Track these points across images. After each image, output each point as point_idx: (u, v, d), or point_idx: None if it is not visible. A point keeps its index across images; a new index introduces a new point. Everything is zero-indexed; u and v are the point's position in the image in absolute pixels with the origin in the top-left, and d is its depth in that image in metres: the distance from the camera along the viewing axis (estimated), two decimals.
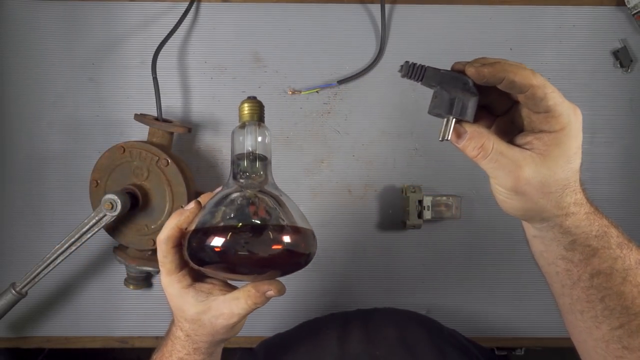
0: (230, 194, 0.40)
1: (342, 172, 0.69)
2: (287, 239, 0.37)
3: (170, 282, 0.43)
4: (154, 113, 0.63)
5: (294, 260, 0.38)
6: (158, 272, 0.66)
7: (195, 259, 0.38)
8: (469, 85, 0.35)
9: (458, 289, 0.70)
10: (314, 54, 0.69)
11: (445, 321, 0.67)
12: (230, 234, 0.36)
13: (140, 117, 0.63)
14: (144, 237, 0.62)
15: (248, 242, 0.37)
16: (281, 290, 0.41)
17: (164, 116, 0.64)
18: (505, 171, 0.35)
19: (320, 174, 0.69)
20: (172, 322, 0.46)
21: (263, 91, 0.69)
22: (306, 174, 0.69)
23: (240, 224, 0.38)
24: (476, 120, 0.36)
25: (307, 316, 0.66)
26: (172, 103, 0.69)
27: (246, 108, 0.42)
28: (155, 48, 0.64)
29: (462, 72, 0.35)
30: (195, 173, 0.68)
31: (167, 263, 0.42)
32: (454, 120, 0.36)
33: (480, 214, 0.69)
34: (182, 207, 0.44)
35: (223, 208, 0.39)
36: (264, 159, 0.42)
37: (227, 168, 0.69)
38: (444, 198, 0.65)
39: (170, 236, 0.42)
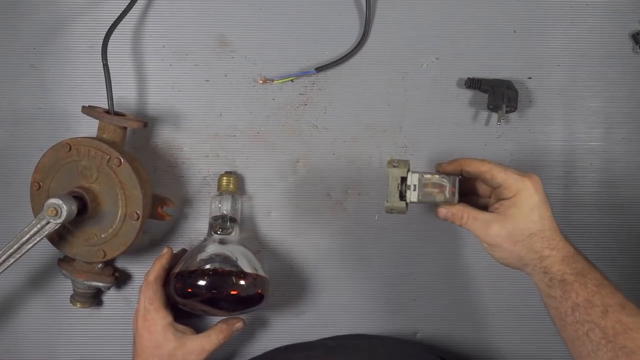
0: (207, 245, 0.65)
1: (320, 173, 0.71)
2: (249, 284, 0.62)
3: (157, 318, 0.62)
4: (105, 105, 0.65)
5: (253, 299, 0.63)
6: (109, 287, 0.68)
7: (181, 293, 0.61)
8: (512, 84, 0.69)
9: (455, 305, 0.72)
10: (289, 37, 0.71)
11: (438, 345, 0.72)
12: (209, 276, 0.61)
13: (89, 110, 0.64)
14: (93, 248, 0.63)
15: (223, 283, 0.61)
16: (245, 325, 0.66)
17: (116, 109, 0.65)
18: (478, 230, 0.55)
19: (295, 175, 0.71)
20: None
21: (230, 80, 0.71)
22: (279, 175, 0.71)
23: (214, 268, 0.62)
24: (468, 200, 0.59)
25: (280, 339, 0.71)
26: (125, 94, 0.71)
27: (224, 180, 0.68)
28: (106, 30, 0.65)
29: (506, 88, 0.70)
30: (152, 174, 0.70)
31: (156, 300, 0.62)
32: (505, 107, 0.67)
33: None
34: (169, 248, 0.67)
35: (200, 256, 0.63)
36: (234, 221, 0.67)
37: (188, 169, 0.72)
38: (436, 177, 0.59)
39: (158, 276, 0.63)
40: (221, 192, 0.69)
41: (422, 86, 0.72)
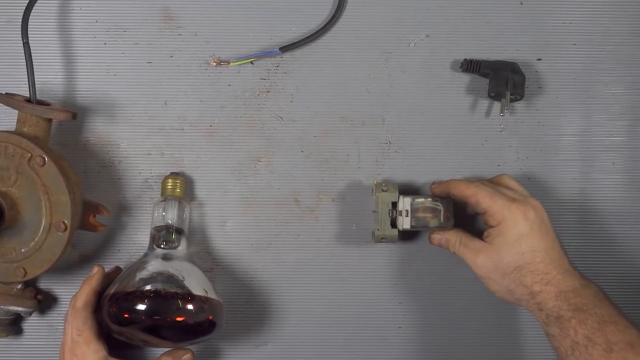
0: (148, 262, 0.62)
1: (286, 175, 0.69)
2: (197, 308, 0.59)
3: (88, 352, 0.59)
4: (25, 92, 0.63)
5: (203, 327, 0.60)
6: (30, 313, 0.66)
7: (116, 319, 0.58)
8: (517, 67, 0.65)
9: (447, 334, 0.69)
10: (248, 10, 0.70)
11: None
12: (150, 298, 0.58)
13: (6, 98, 0.62)
14: (10, 265, 0.61)
15: (166, 307, 0.58)
16: (194, 357, 0.63)
17: (39, 96, 0.64)
18: (467, 258, 0.59)
19: (255, 177, 0.70)
20: None
21: (176, 61, 0.69)
22: (236, 176, 0.70)
23: (156, 290, 0.58)
24: (461, 224, 0.63)
25: None
26: (50, 78, 0.69)
27: (169, 183, 0.66)
28: (27, 2, 0.63)
29: None
30: (82, 175, 0.68)
31: (86, 330, 0.59)
32: (509, 94, 0.64)
33: (479, 227, 0.67)
34: (100, 266, 0.63)
35: (140, 275, 0.60)
36: (181, 232, 0.65)
37: (126, 169, 0.70)
38: (429, 200, 0.63)
39: (88, 301, 0.60)
40: (166, 197, 0.66)
41: (409, 69, 0.71)
